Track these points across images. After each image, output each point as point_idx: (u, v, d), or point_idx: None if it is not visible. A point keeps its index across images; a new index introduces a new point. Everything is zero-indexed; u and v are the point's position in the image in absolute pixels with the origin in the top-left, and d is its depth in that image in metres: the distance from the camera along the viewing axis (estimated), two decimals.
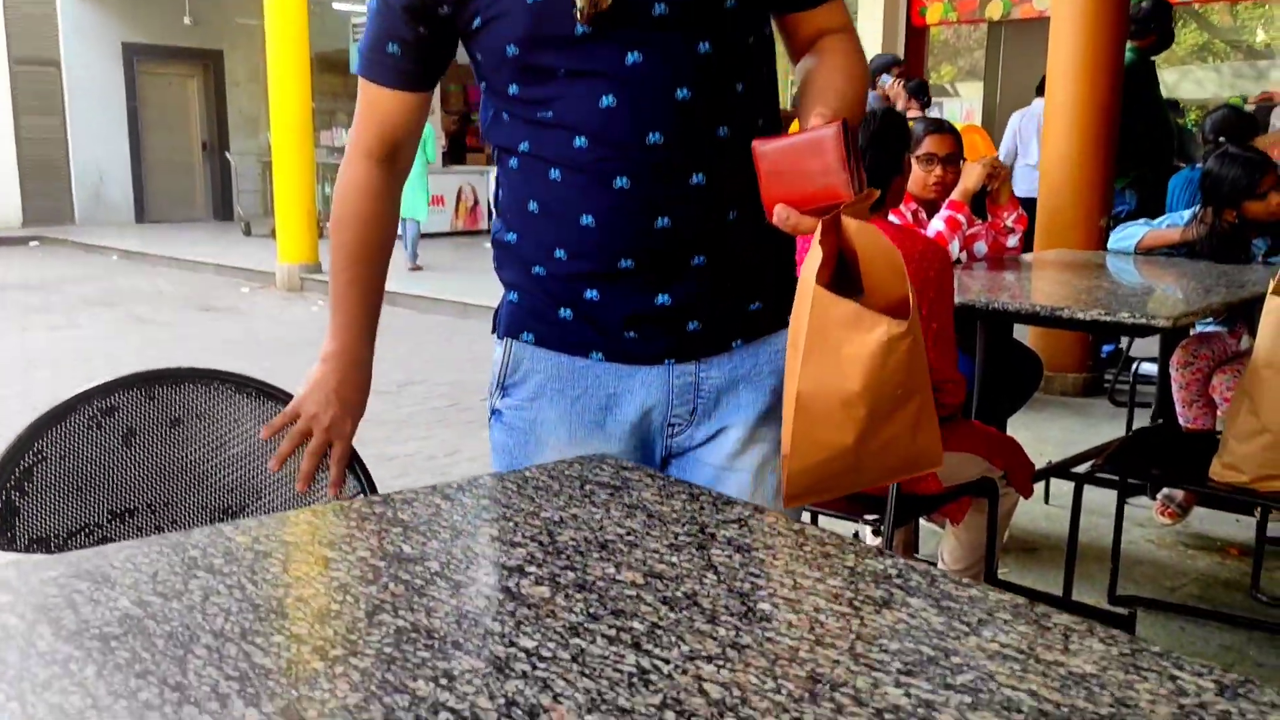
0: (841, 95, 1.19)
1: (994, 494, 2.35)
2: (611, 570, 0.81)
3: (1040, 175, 4.92)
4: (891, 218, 2.70)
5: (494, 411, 1.34)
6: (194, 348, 6.53)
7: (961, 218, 3.03)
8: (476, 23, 1.19)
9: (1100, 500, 3.23)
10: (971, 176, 3.03)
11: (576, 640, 0.69)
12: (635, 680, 0.64)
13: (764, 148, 1.06)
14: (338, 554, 0.83)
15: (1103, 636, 0.71)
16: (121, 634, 0.68)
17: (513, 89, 1.20)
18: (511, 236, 1.28)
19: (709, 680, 0.65)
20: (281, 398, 1.44)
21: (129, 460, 1.36)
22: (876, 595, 0.78)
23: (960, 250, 3.09)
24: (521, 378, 1.29)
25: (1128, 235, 3.42)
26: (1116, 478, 2.66)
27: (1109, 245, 3.60)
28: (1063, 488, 3.58)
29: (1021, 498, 2.50)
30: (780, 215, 1.05)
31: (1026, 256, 3.54)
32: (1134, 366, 4.21)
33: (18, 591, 0.74)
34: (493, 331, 1.35)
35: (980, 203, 3.25)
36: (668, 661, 0.67)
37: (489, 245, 1.37)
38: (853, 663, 0.67)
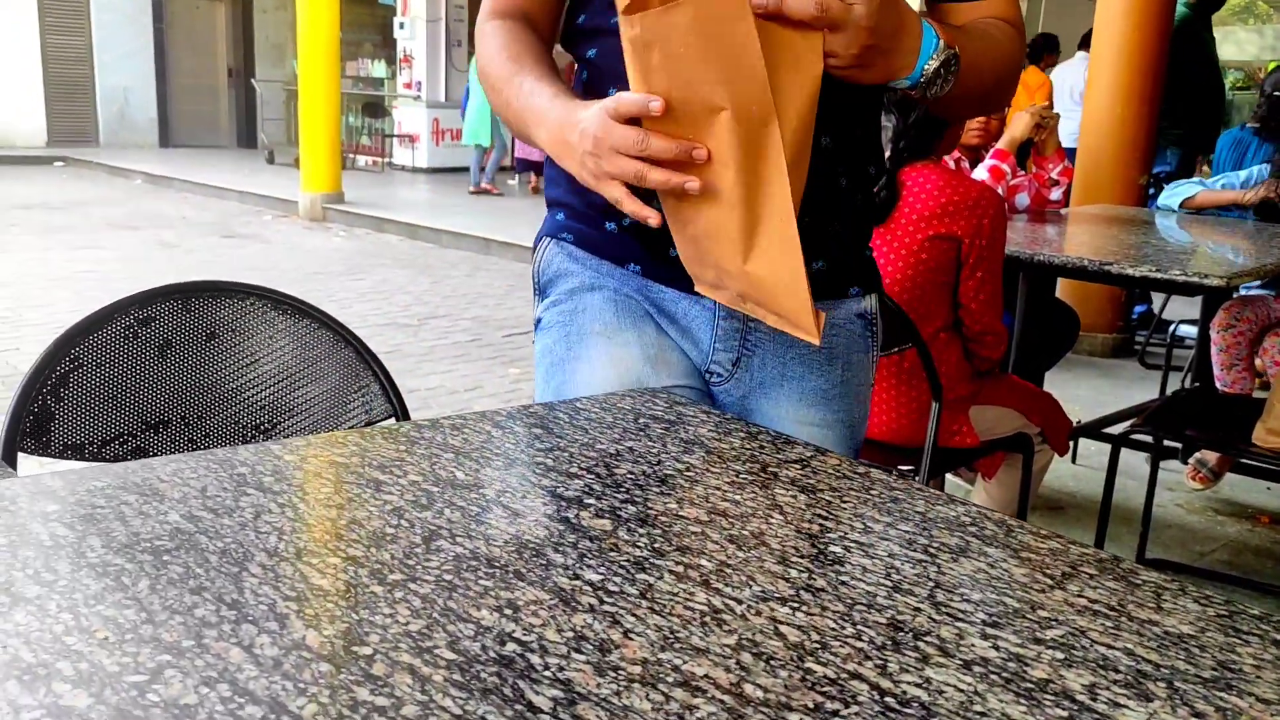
0: (967, 34, 1.06)
1: (1029, 450, 2.31)
2: (674, 506, 0.78)
3: (1081, 129, 4.81)
4: None
5: (536, 324, 1.25)
6: (218, 273, 6.51)
7: (1006, 167, 2.95)
8: None
9: (1128, 462, 3.19)
10: (1019, 125, 2.96)
11: (643, 576, 0.66)
12: (708, 620, 0.61)
13: None
14: (389, 477, 0.80)
15: (1196, 596, 0.67)
16: (173, 548, 0.66)
17: None
18: None
19: (785, 623, 0.62)
20: (317, 316, 1.41)
21: (164, 372, 1.34)
22: (952, 543, 0.74)
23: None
24: (557, 272, 1.21)
25: (1179, 193, 3.34)
26: (1151, 439, 2.61)
27: (1159, 202, 3.52)
28: (1090, 448, 3.54)
29: (1055, 455, 2.46)
30: None
31: (1067, 210, 3.47)
32: (1171, 328, 4.14)
33: (65, 501, 0.72)
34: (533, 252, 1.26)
35: (1023, 153, 3.17)
36: (740, 601, 0.64)
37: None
38: (934, 611, 0.64)
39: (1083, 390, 4.37)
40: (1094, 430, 3.25)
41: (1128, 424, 2.61)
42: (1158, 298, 5.25)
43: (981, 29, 1.12)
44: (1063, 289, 4.57)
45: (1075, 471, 3.43)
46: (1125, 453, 3.02)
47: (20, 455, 1.29)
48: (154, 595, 0.60)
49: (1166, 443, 2.49)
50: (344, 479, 0.80)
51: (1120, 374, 4.75)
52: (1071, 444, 3.36)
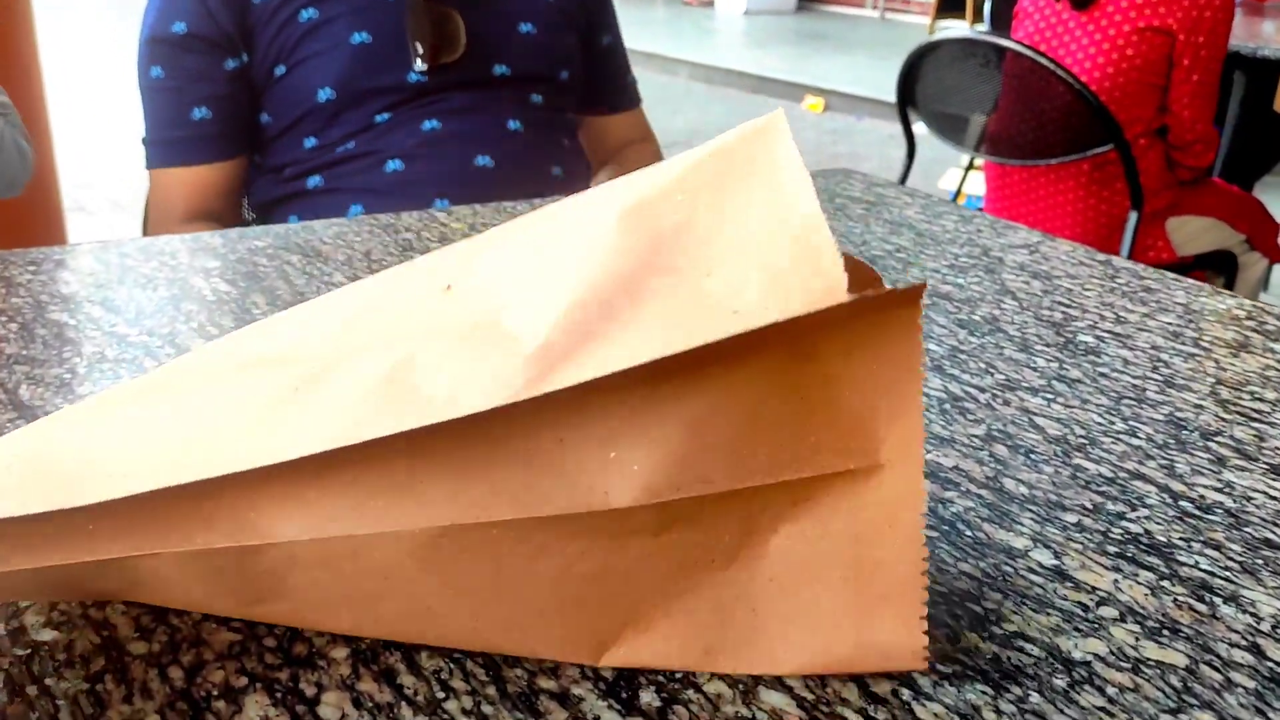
0: None
1: (1232, 269, 2.10)
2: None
3: None
4: None
5: None
6: None
7: None
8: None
9: None
10: None
11: None
12: (948, 407, 0.52)
13: None
14: None
15: None
16: None
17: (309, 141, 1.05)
18: None
19: (1039, 414, 0.52)
20: None
21: None
22: (1228, 337, 0.63)
23: None
24: None
25: None
26: None
27: None
28: None
29: (1270, 263, 2.21)
30: None
31: None
32: None
33: (226, 259, 0.67)
34: None
35: None
36: (982, 390, 0.54)
37: None
38: (1221, 410, 0.53)
39: None
40: None
41: None
42: None
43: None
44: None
45: (1272, 302, 3.16)
46: None
47: None
48: None
49: None
50: None
51: None
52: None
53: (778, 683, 0.33)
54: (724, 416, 0.30)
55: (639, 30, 8.51)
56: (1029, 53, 1.89)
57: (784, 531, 0.32)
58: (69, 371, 0.51)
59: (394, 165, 1.02)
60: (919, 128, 2.17)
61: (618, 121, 1.26)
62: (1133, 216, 1.86)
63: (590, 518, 0.30)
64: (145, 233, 1.10)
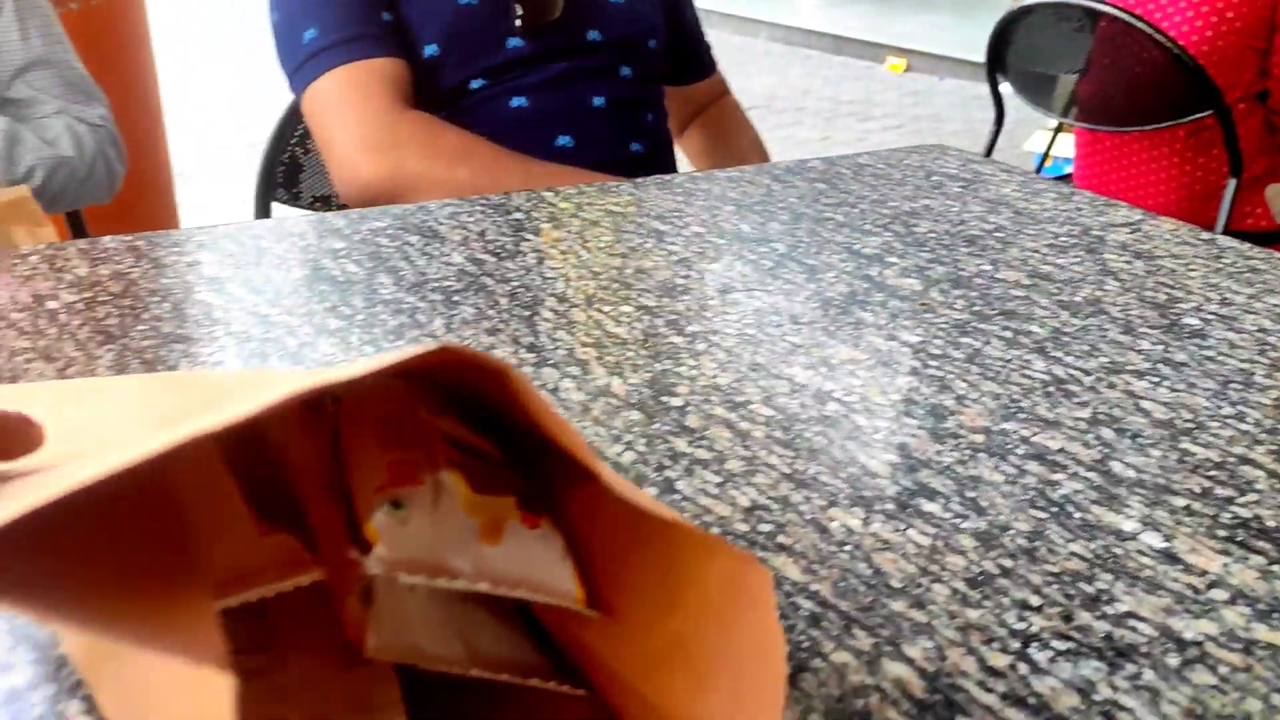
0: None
1: None
2: (988, 267, 0.69)
3: None
4: None
5: None
6: None
7: None
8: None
9: None
10: None
11: (967, 339, 0.59)
12: (1052, 389, 0.54)
13: None
14: (670, 227, 0.75)
15: None
16: (462, 289, 0.63)
17: None
18: None
19: (1145, 398, 0.53)
20: None
21: None
22: None
23: None
24: None
25: None
26: None
27: None
28: None
29: None
30: None
31: None
32: None
33: (350, 240, 0.70)
34: None
35: None
36: (1087, 373, 0.55)
37: None
38: None
39: None
40: None
41: None
42: None
43: (752, 147, 1.29)
44: None
45: None
46: None
47: (274, 205, 1.33)
48: (450, 335, 0.57)
49: None
50: (623, 228, 0.75)
51: None
52: None
53: (898, 653, 0.36)
54: None
55: None
56: (1125, 16, 1.85)
57: None
58: (220, 349, 0.55)
59: None
60: (1004, 89, 2.14)
61: (701, 86, 1.29)
62: (1231, 184, 1.81)
63: None
64: (333, 153, 1.00)
